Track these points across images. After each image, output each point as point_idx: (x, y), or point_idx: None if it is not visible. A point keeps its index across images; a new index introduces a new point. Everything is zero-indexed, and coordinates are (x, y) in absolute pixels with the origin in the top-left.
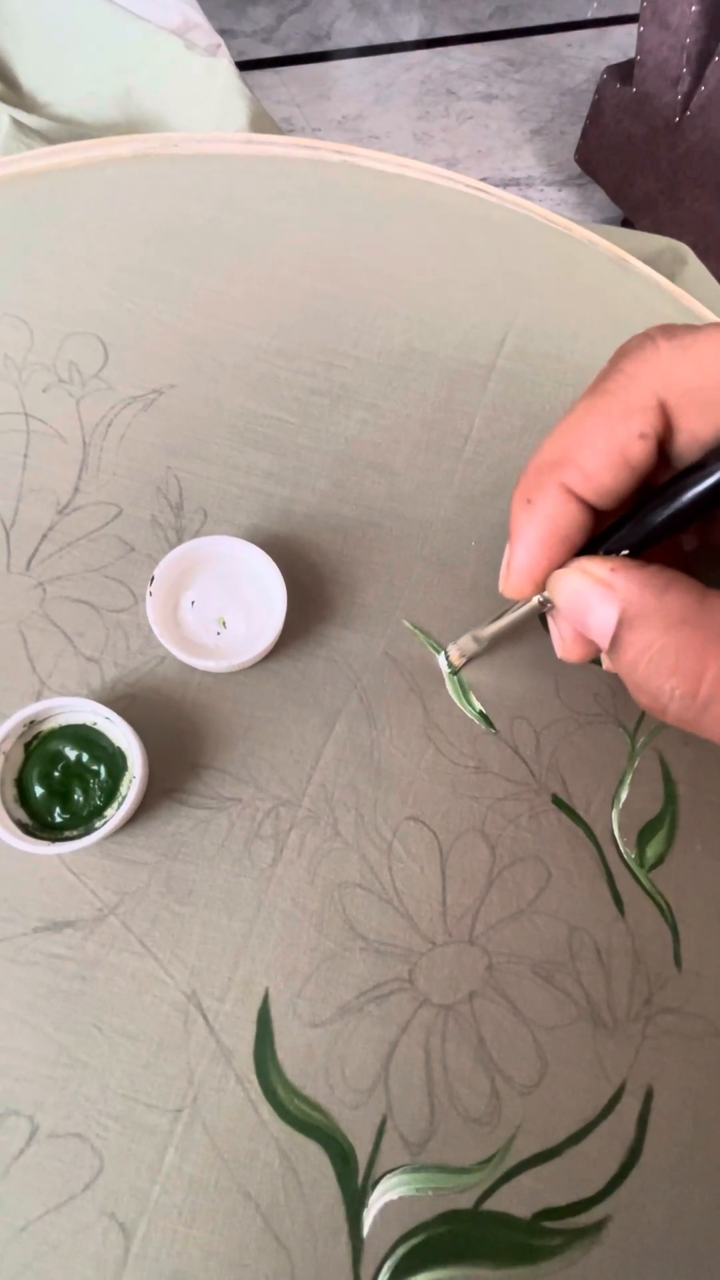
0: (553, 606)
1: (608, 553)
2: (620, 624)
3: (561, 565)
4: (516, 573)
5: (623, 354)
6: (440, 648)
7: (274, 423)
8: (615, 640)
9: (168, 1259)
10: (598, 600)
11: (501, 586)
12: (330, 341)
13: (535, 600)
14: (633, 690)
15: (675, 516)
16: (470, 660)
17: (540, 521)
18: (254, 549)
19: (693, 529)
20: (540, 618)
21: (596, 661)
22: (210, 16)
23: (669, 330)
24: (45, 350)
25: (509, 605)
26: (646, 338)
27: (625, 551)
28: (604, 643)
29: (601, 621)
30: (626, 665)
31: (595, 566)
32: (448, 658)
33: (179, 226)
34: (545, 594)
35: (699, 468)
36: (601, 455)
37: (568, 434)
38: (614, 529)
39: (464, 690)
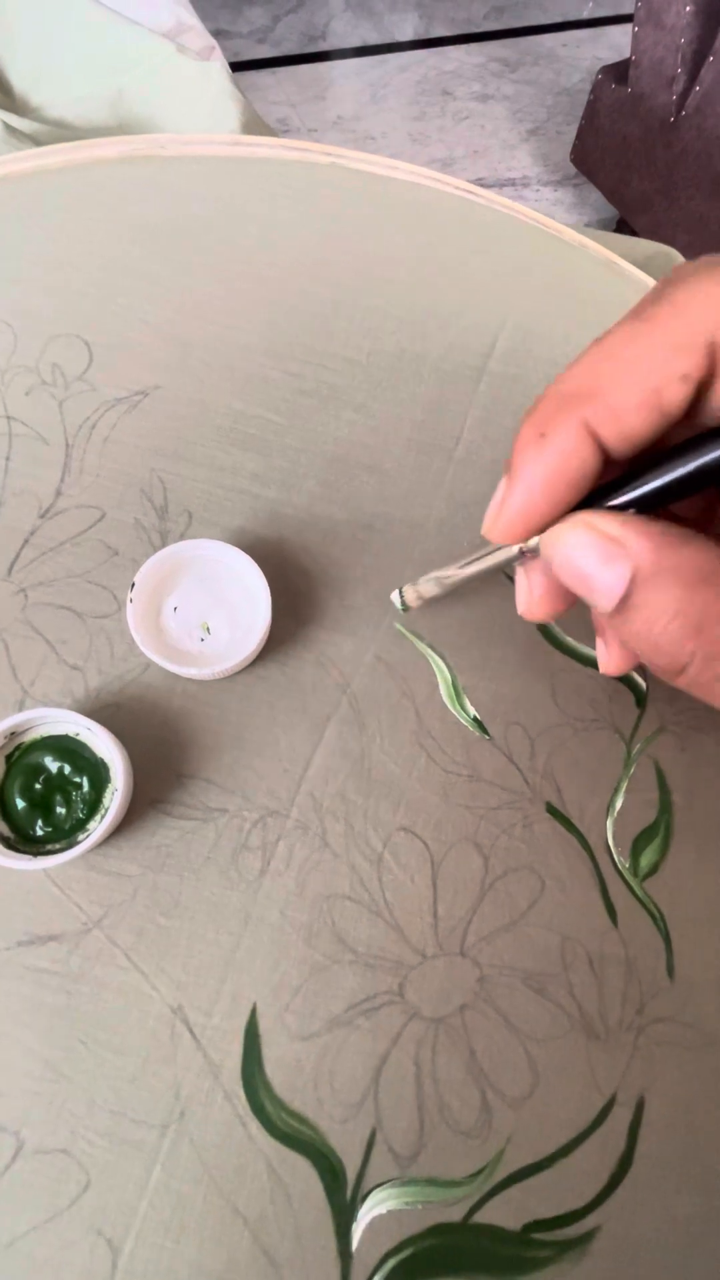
0: (531, 557)
1: (611, 509)
2: (634, 583)
3: (562, 515)
4: (510, 514)
5: (674, 281)
6: (435, 654)
7: (261, 423)
8: (626, 601)
9: (155, 1275)
10: (605, 559)
11: (486, 528)
12: (318, 342)
13: (515, 549)
14: (646, 653)
15: (694, 477)
16: (427, 603)
17: (552, 459)
18: (236, 551)
19: (693, 518)
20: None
21: (593, 664)
22: (206, 17)
23: None
24: (28, 352)
25: (480, 550)
26: (703, 264)
27: (631, 511)
28: (607, 604)
29: (609, 582)
30: (641, 626)
31: (605, 523)
32: (402, 597)
33: (165, 228)
34: (532, 543)
35: None
36: (634, 393)
37: (599, 364)
38: (616, 485)
39: (458, 694)
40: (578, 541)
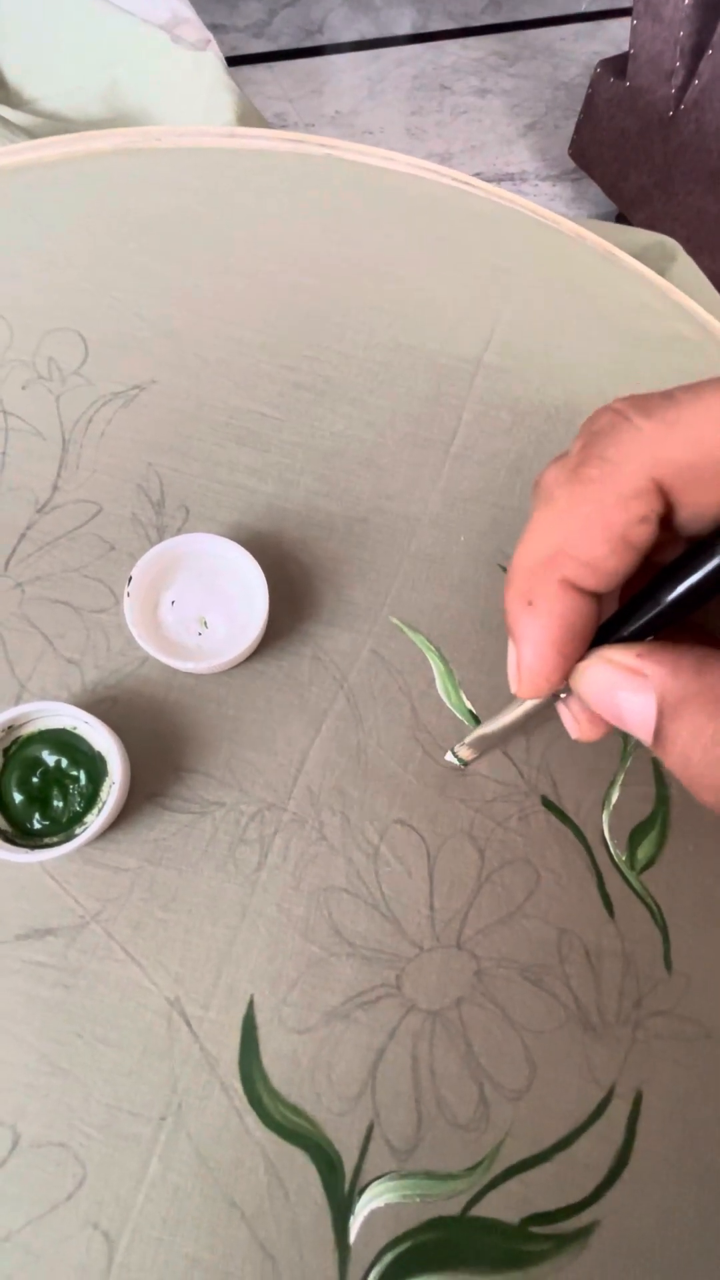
0: (567, 694)
1: (629, 638)
2: (661, 714)
3: (577, 660)
4: (530, 676)
5: (598, 436)
6: (432, 647)
7: (257, 418)
8: (659, 733)
9: (152, 1268)
10: (629, 691)
11: (515, 689)
12: (315, 336)
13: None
14: (691, 786)
15: (696, 591)
16: (483, 755)
17: (547, 622)
18: (234, 546)
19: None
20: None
21: None
22: (202, 11)
23: (642, 406)
24: (24, 347)
25: (514, 700)
26: (619, 416)
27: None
28: (646, 736)
29: (639, 714)
30: (678, 759)
31: (620, 655)
32: (457, 757)
33: (161, 221)
34: (564, 690)
35: (716, 539)
36: (601, 544)
37: (556, 529)
38: (627, 612)
39: (454, 689)
40: (600, 678)
